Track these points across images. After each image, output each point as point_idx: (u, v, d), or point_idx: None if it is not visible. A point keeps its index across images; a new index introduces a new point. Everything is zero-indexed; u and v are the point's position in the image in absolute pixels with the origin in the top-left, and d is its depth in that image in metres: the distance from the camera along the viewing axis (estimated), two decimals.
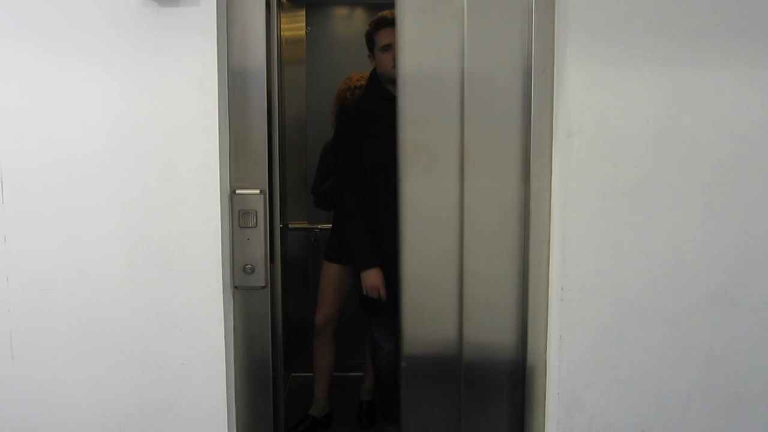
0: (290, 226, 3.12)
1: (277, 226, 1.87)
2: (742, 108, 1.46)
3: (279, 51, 2.93)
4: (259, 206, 1.53)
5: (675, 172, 1.47)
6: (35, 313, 1.49)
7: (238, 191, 1.53)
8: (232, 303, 1.56)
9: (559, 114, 1.51)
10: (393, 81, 2.16)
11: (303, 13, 3.09)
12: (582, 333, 1.52)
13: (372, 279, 2.23)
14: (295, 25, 3.09)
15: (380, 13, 2.30)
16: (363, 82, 2.50)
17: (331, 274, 2.58)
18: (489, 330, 1.65)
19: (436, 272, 1.63)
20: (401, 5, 1.55)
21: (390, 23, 2.18)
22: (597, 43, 1.44)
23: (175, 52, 1.42)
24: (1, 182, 1.45)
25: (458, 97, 1.57)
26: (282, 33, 3.06)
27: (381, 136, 2.14)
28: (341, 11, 3.13)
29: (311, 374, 2.72)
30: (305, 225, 3.15)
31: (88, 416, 1.53)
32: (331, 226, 2.68)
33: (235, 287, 1.56)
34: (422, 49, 1.57)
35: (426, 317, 1.66)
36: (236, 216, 1.53)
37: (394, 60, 2.11)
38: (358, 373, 2.91)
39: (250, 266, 1.54)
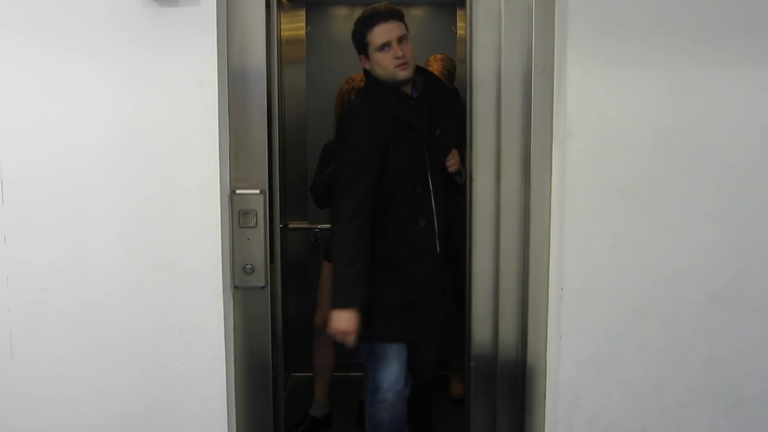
0: (290, 226, 3.12)
1: (277, 226, 1.86)
2: (742, 108, 1.46)
3: (279, 51, 2.93)
4: (259, 206, 1.53)
5: (675, 172, 1.47)
6: (35, 313, 1.49)
7: (238, 191, 1.53)
8: (232, 303, 1.56)
9: (559, 114, 1.51)
10: (400, 81, 1.92)
11: (303, 13, 3.08)
12: (582, 333, 1.52)
13: (342, 322, 1.84)
14: (295, 25, 3.09)
15: (369, 9, 1.96)
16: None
17: (332, 273, 2.58)
18: (518, 330, 1.67)
19: (493, 272, 1.67)
20: (475, 6, 1.59)
21: (384, 17, 1.90)
22: (597, 43, 1.44)
23: (175, 52, 1.42)
24: (1, 182, 1.45)
25: (520, 95, 1.61)
26: (282, 33, 3.06)
27: (406, 140, 1.92)
28: (341, 11, 3.12)
29: (311, 374, 2.72)
30: (305, 225, 3.15)
31: (88, 416, 1.53)
32: (330, 225, 2.67)
33: (235, 287, 1.56)
34: (490, 50, 1.60)
35: (486, 317, 1.69)
36: (236, 216, 1.53)
37: (396, 58, 1.88)
38: (358, 373, 2.90)
39: (250, 266, 1.54)
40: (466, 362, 1.72)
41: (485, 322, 1.68)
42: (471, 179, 1.65)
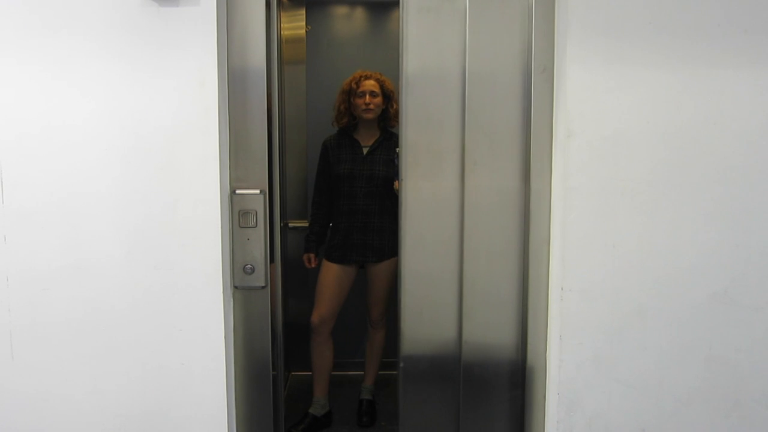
0: (290, 225, 3.12)
1: (277, 225, 1.87)
2: (742, 108, 1.46)
3: (279, 51, 2.92)
4: (259, 206, 1.54)
5: (675, 172, 1.47)
6: (35, 313, 1.49)
7: (238, 191, 1.53)
8: (232, 303, 1.56)
9: (559, 114, 1.50)
10: None
11: (303, 12, 3.08)
12: (582, 333, 1.52)
13: None
14: (295, 25, 3.09)
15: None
16: (368, 72, 2.57)
17: (330, 273, 2.58)
18: (489, 330, 1.66)
19: (436, 271, 1.64)
20: (406, 4, 1.56)
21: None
22: (597, 43, 1.44)
23: (175, 52, 1.42)
24: (1, 182, 1.45)
25: (460, 96, 1.58)
26: (282, 32, 3.06)
27: None
28: (341, 10, 3.12)
29: (311, 373, 2.72)
30: (305, 224, 3.15)
31: (88, 416, 1.53)
32: (331, 225, 2.67)
33: (235, 287, 1.56)
34: (425, 49, 1.57)
35: (425, 317, 1.67)
36: (236, 216, 1.53)
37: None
38: (358, 372, 2.91)
39: (250, 266, 1.54)
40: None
41: (420, 322, 1.67)
42: (401, 178, 1.62)
